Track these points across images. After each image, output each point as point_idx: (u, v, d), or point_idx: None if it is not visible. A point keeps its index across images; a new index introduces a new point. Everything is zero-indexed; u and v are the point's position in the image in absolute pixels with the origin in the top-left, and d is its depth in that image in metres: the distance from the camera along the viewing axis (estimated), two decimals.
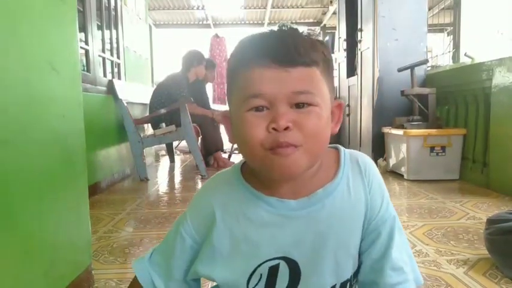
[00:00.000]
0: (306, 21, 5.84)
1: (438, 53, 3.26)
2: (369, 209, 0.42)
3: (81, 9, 2.08)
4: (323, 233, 0.41)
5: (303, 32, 0.39)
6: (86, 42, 2.13)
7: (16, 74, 0.66)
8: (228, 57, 0.43)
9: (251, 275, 0.42)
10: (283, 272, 0.42)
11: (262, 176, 0.41)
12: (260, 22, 5.85)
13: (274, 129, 0.36)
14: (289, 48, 0.36)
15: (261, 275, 0.42)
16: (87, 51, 2.13)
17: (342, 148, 0.45)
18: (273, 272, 0.42)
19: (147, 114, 2.78)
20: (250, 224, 0.42)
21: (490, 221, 1.01)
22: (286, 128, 0.36)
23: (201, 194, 0.46)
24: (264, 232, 0.41)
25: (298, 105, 0.37)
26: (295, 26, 0.40)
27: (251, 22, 5.89)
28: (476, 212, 1.51)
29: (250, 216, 0.42)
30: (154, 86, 3.08)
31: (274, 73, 0.36)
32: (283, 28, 0.39)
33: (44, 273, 0.71)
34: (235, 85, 0.40)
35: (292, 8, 5.30)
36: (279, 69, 0.36)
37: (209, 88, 4.26)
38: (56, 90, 0.79)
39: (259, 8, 5.29)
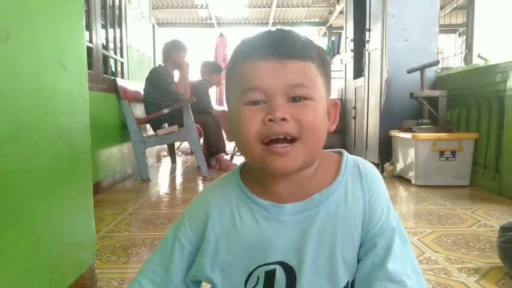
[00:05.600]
0: (312, 20, 5.79)
1: (449, 54, 3.19)
2: (366, 218, 0.41)
3: (86, 8, 2.05)
4: (318, 240, 0.41)
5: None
6: (90, 41, 2.10)
7: (26, 70, 0.66)
8: (229, 56, 0.44)
9: (247, 278, 0.43)
10: (280, 277, 0.42)
11: (260, 174, 0.41)
12: (264, 21, 5.80)
13: (270, 120, 0.37)
14: (286, 42, 0.38)
15: (258, 278, 0.42)
16: (90, 49, 2.10)
17: (345, 153, 0.45)
18: (270, 276, 0.42)
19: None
20: (246, 228, 0.42)
21: (504, 229, 0.98)
22: (283, 120, 0.36)
23: (198, 197, 0.47)
24: (260, 237, 0.41)
25: (295, 99, 0.37)
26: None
27: (255, 21, 5.84)
28: (487, 220, 1.46)
29: (246, 220, 0.42)
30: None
31: (270, 66, 0.37)
32: (281, 28, 0.41)
33: (49, 269, 0.71)
34: (233, 80, 0.40)
35: (298, 7, 5.24)
36: (275, 61, 0.37)
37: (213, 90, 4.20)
38: (63, 86, 0.80)
39: (264, 7, 5.24)
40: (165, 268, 0.45)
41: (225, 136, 2.92)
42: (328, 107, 0.41)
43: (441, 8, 3.16)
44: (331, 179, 0.42)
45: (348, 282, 0.43)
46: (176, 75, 2.67)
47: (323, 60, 0.40)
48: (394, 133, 2.32)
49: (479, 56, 2.09)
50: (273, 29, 0.41)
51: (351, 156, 0.45)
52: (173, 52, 2.62)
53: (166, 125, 2.53)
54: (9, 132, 0.60)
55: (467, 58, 2.59)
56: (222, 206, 0.43)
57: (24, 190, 0.65)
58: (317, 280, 0.41)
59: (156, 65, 2.89)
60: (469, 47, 2.59)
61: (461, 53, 2.83)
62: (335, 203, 0.41)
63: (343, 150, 0.45)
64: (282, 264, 0.41)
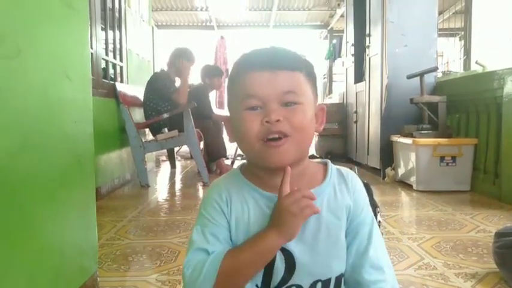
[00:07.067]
0: (313, 23, 5.78)
1: (449, 57, 3.20)
2: (351, 212, 0.48)
3: None
4: (314, 229, 0.46)
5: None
6: (90, 46, 2.09)
7: (34, 84, 0.68)
8: (229, 59, 0.51)
9: None
10: (279, 262, 0.46)
11: (259, 169, 0.47)
12: (265, 24, 5.80)
13: (267, 122, 0.44)
14: (277, 57, 0.46)
15: None
16: (91, 55, 2.09)
17: (329, 162, 0.53)
18: (270, 261, 0.46)
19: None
20: (253, 214, 0.47)
21: (499, 234, 0.99)
22: (278, 121, 0.43)
23: (208, 192, 0.51)
24: (263, 224, 0.46)
25: (287, 104, 0.44)
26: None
27: (256, 24, 5.84)
28: (486, 225, 1.47)
29: (252, 207, 0.47)
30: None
31: (265, 76, 0.44)
32: (274, 46, 0.49)
33: (55, 275, 0.72)
34: (234, 89, 0.47)
35: (299, 10, 5.25)
36: (269, 72, 0.44)
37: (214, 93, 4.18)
38: (69, 97, 0.82)
39: (265, 10, 5.24)
40: (213, 236, 0.47)
41: (226, 139, 2.92)
42: (316, 111, 0.48)
43: (440, 13, 3.18)
44: (320, 180, 0.49)
45: (341, 274, 0.47)
46: (178, 81, 2.67)
47: (310, 71, 0.48)
48: (395, 138, 2.32)
49: (476, 62, 2.10)
50: (268, 46, 0.48)
51: (334, 165, 0.53)
52: (180, 59, 2.60)
53: (166, 129, 2.52)
54: (20, 144, 0.62)
55: (466, 64, 2.60)
56: (231, 192, 0.48)
57: (32, 197, 0.67)
58: (314, 267, 0.46)
59: (158, 70, 2.87)
60: (467, 52, 2.60)
61: (460, 59, 2.84)
62: (327, 197, 0.48)
63: (328, 161, 0.53)
64: (281, 249, 0.45)
